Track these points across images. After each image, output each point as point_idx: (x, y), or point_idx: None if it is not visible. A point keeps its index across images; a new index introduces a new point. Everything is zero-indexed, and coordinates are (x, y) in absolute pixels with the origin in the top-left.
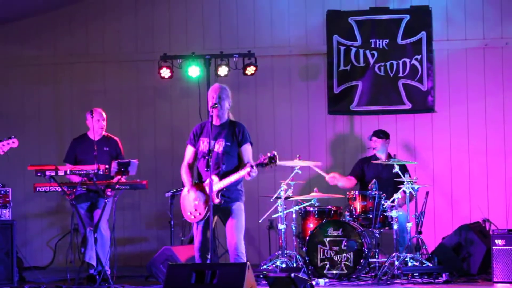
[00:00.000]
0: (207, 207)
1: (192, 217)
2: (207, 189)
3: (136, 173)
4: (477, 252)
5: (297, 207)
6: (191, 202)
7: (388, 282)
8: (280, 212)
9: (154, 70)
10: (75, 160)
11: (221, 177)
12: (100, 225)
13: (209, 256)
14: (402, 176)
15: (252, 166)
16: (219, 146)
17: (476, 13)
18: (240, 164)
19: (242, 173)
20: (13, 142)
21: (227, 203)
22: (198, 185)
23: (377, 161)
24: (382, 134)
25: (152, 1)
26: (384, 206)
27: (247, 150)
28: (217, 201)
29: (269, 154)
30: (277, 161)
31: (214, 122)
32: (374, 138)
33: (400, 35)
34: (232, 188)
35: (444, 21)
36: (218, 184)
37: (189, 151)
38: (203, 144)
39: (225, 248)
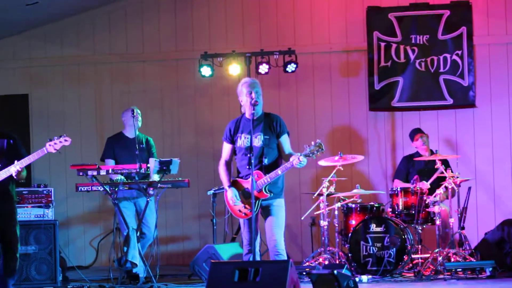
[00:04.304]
0: (257, 203)
1: (243, 214)
2: (254, 184)
3: (177, 172)
4: None
5: (339, 204)
6: (239, 200)
7: (431, 278)
8: (322, 209)
9: (194, 68)
10: (114, 158)
11: (265, 171)
12: (144, 223)
13: (258, 251)
14: (445, 171)
15: (299, 157)
16: (258, 140)
17: None
18: (280, 156)
19: (288, 165)
20: (65, 141)
21: (268, 200)
22: (243, 182)
23: (420, 158)
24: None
25: (191, 0)
26: (427, 202)
27: (286, 140)
28: (266, 195)
29: (313, 143)
30: (323, 148)
31: (250, 117)
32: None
33: (441, 31)
34: (274, 183)
35: (485, 16)
36: (264, 179)
37: (226, 148)
38: (241, 140)
39: (267, 245)
